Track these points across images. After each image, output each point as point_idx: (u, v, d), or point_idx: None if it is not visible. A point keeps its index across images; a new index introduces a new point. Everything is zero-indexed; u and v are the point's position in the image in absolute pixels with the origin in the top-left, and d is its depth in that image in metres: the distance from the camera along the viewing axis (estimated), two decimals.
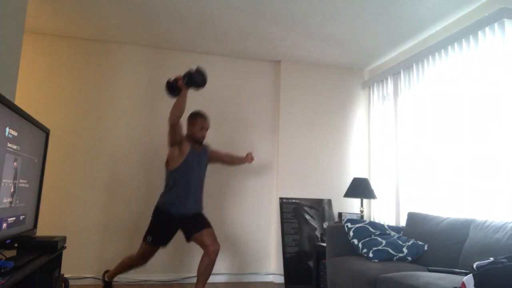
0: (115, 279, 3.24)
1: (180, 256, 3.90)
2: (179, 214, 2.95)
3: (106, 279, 3.16)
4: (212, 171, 4.05)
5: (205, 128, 3.08)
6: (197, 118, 3.07)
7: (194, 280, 3.84)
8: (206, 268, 2.87)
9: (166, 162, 3.02)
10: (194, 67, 2.83)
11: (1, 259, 1.76)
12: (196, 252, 3.92)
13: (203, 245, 2.91)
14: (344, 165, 4.36)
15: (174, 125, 2.80)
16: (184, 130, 3.06)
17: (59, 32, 3.82)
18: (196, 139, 3.06)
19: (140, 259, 2.99)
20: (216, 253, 2.89)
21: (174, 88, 2.83)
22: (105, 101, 3.94)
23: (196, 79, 2.71)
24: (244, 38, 3.81)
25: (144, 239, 2.95)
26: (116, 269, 3.09)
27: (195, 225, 2.98)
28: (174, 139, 2.88)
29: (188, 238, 3.01)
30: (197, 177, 3.04)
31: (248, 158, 3.45)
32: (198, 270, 2.91)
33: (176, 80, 2.82)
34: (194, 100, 4.15)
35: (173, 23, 3.54)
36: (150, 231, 2.97)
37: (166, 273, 3.83)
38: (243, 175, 4.14)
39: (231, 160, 3.47)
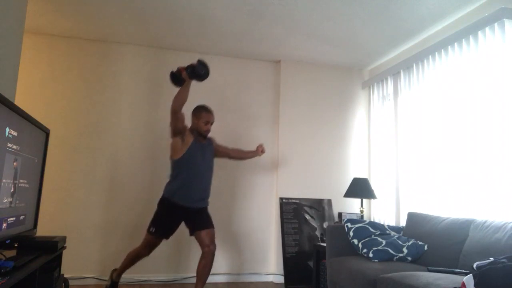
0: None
1: (180, 256, 3.90)
2: (183, 205, 2.95)
3: (114, 278, 3.14)
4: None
5: (210, 122, 3.07)
6: (202, 112, 3.07)
7: (194, 280, 3.85)
8: (204, 268, 2.91)
9: (171, 153, 3.03)
10: (195, 60, 2.87)
11: (1, 259, 1.76)
12: (195, 252, 3.92)
13: (201, 244, 2.94)
14: (344, 165, 4.36)
15: (175, 112, 2.84)
16: (189, 123, 3.09)
17: (59, 32, 3.82)
18: (200, 133, 3.06)
19: (143, 250, 2.99)
20: (212, 254, 2.93)
21: (178, 78, 2.90)
22: (105, 101, 3.94)
23: (199, 71, 2.77)
24: (244, 38, 3.81)
25: (148, 229, 2.96)
26: (122, 265, 3.08)
27: (200, 222, 2.99)
28: (176, 127, 2.89)
29: (191, 233, 3.04)
30: (202, 169, 3.02)
31: (259, 150, 3.41)
32: (197, 270, 2.94)
33: (179, 71, 2.88)
34: (194, 101, 4.16)
35: (173, 23, 3.54)
36: (154, 221, 2.97)
37: (166, 273, 3.82)
38: (243, 175, 4.14)
39: (240, 155, 3.44)
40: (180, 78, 2.88)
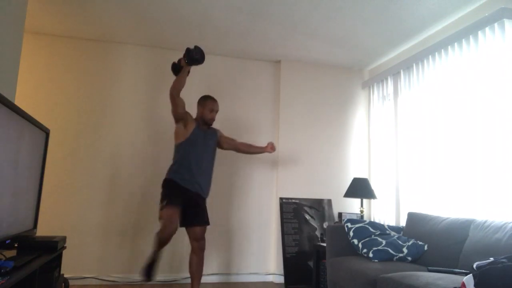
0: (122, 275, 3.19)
1: (180, 256, 3.90)
2: (183, 186, 2.96)
3: (154, 256, 2.87)
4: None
5: (214, 110, 3.15)
6: (207, 100, 3.16)
7: None
8: (197, 266, 2.95)
9: (174, 139, 3.10)
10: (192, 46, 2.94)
11: (1, 259, 1.76)
12: None
13: (193, 238, 2.96)
14: (344, 165, 4.36)
15: (173, 97, 2.93)
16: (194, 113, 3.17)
17: (59, 32, 3.82)
18: (205, 121, 3.14)
19: (165, 229, 2.73)
20: (203, 250, 2.97)
21: (178, 68, 3.01)
22: (105, 101, 3.94)
23: (194, 55, 2.87)
24: (244, 38, 3.81)
25: (161, 208, 2.84)
26: (154, 246, 2.86)
27: (196, 215, 2.99)
28: (177, 112, 2.98)
29: (184, 223, 2.96)
30: (202, 155, 3.04)
31: (268, 147, 3.36)
32: (190, 270, 2.95)
33: (179, 60, 3.01)
34: (195, 100, 4.16)
35: (173, 23, 3.54)
36: (164, 197, 2.89)
37: (166, 273, 3.82)
38: (243, 175, 4.14)
39: (247, 149, 3.41)
40: (179, 67, 3.00)
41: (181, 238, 3.92)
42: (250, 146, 3.44)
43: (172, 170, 3.02)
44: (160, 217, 2.83)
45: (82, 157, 3.80)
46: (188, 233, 3.00)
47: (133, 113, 3.99)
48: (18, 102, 3.26)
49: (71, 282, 3.24)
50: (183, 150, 3.01)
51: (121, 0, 3.16)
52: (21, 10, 2.60)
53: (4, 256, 1.85)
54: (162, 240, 2.76)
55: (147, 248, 3.81)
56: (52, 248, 2.29)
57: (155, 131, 4.02)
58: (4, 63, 2.35)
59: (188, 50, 2.89)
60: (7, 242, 1.96)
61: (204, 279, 3.79)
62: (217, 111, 3.19)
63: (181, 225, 2.97)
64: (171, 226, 2.74)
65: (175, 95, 2.93)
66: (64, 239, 2.59)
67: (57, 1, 3.19)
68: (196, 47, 2.91)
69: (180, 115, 3.01)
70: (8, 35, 2.37)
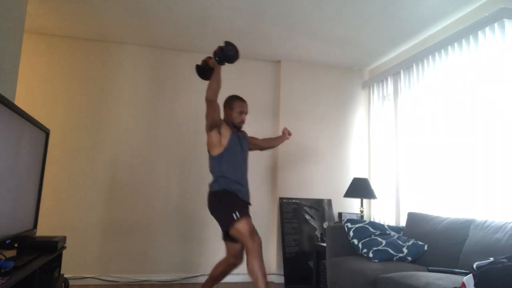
0: None
1: (180, 256, 3.90)
2: (243, 199, 2.74)
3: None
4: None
5: (244, 112, 2.85)
6: (236, 101, 2.85)
7: (195, 280, 3.87)
8: (221, 275, 2.80)
9: (209, 148, 2.78)
10: (222, 44, 2.63)
11: (1, 259, 1.76)
12: (196, 252, 3.92)
13: (231, 252, 2.75)
14: (344, 165, 4.36)
15: (211, 102, 2.61)
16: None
17: (59, 32, 3.82)
18: (234, 124, 2.84)
19: (251, 243, 2.49)
20: (235, 268, 2.80)
21: (205, 70, 2.70)
22: (105, 101, 3.94)
23: (228, 51, 2.56)
24: (244, 38, 3.81)
25: (231, 222, 2.53)
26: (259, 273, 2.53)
27: None
28: (214, 119, 2.65)
29: (227, 238, 2.74)
30: (244, 161, 2.84)
31: (286, 134, 3.22)
32: (213, 273, 2.80)
33: (205, 61, 2.70)
34: (195, 99, 4.16)
35: (173, 23, 3.54)
36: (232, 208, 2.59)
37: (166, 273, 3.82)
38: None
39: (270, 143, 3.26)
40: (207, 68, 2.68)
41: (181, 238, 3.92)
42: (271, 140, 3.29)
43: (223, 183, 2.70)
44: (239, 232, 2.54)
45: (82, 157, 3.80)
46: (229, 246, 2.77)
47: (133, 113, 3.99)
48: (18, 102, 3.26)
49: (71, 282, 3.24)
50: (226, 162, 2.72)
51: (121, 0, 3.16)
52: (21, 10, 2.60)
53: (4, 256, 1.85)
54: (260, 253, 2.49)
55: (147, 248, 3.82)
56: (52, 248, 2.29)
57: (155, 131, 4.02)
58: (4, 63, 2.35)
59: (221, 48, 2.56)
60: (7, 242, 1.96)
61: (204, 278, 3.79)
62: (246, 113, 2.88)
63: (225, 238, 2.75)
64: (258, 236, 2.53)
65: (213, 98, 2.61)
66: (64, 239, 2.59)
67: (57, 1, 3.19)
68: (228, 42, 2.58)
69: (217, 121, 2.68)
70: (8, 35, 2.37)
